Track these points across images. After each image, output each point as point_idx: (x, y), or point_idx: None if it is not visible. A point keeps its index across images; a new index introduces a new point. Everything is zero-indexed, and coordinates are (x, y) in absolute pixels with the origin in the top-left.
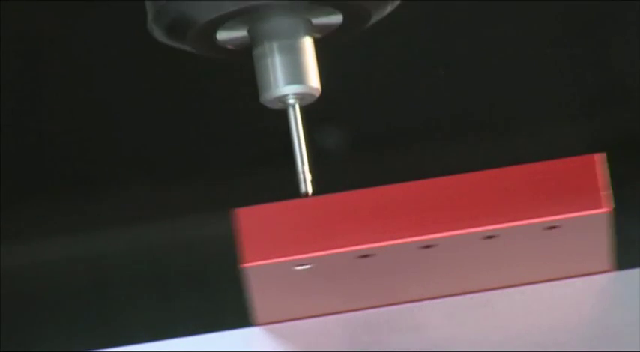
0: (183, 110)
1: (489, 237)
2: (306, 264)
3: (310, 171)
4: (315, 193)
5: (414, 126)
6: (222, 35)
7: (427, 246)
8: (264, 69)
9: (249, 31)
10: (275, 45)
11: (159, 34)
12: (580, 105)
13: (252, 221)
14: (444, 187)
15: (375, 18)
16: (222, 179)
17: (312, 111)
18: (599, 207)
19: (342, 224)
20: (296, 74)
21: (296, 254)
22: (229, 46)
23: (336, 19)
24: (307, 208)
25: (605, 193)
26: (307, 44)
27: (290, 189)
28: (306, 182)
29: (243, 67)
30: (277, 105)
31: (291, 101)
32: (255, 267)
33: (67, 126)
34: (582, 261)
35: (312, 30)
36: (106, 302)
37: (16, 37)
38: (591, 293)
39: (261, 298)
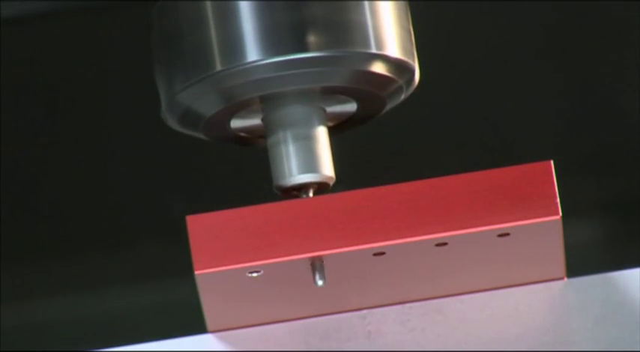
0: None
1: (441, 245)
2: (259, 271)
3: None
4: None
5: (408, 142)
6: (236, 123)
7: (379, 253)
8: (278, 157)
9: (263, 120)
10: (289, 133)
11: (172, 123)
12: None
13: (203, 228)
14: (395, 195)
15: (390, 105)
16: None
17: None
18: (551, 214)
19: (295, 231)
20: (310, 163)
21: (248, 261)
22: (243, 134)
23: (351, 107)
24: (259, 215)
25: (557, 200)
26: (321, 132)
27: None
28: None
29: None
30: (291, 194)
31: (310, 194)
32: (206, 274)
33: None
34: (535, 268)
35: (326, 118)
36: None
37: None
38: (545, 301)
39: (214, 305)
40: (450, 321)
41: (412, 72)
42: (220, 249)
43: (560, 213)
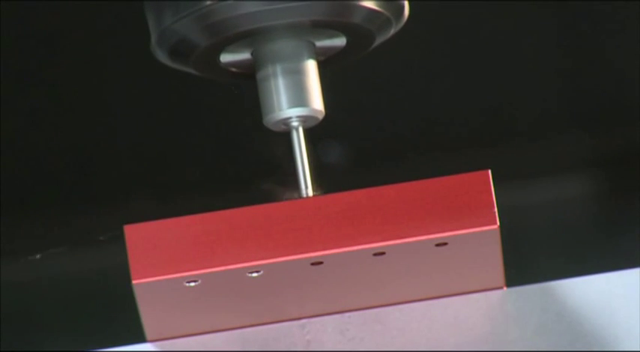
0: (182, 125)
1: (379, 254)
2: (196, 281)
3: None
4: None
5: (412, 138)
6: (226, 58)
7: (316, 263)
8: (268, 91)
9: (252, 54)
10: (279, 67)
11: (162, 57)
12: (577, 118)
13: (141, 238)
14: (333, 204)
15: (379, 40)
16: (222, 192)
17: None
18: (489, 223)
19: (232, 240)
20: (300, 97)
21: (185, 270)
22: (233, 69)
23: (340, 41)
24: (197, 225)
25: (495, 210)
26: (311, 67)
27: None
28: None
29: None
30: (281, 128)
31: (294, 124)
32: (144, 284)
33: (67, 139)
34: (474, 277)
35: (315, 52)
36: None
37: (16, 43)
38: (484, 310)
39: (152, 314)
40: (389, 331)
41: (401, 5)
42: (158, 259)
43: (498, 223)
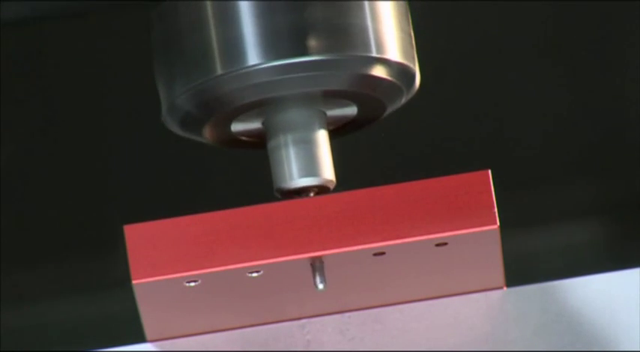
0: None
1: (379, 254)
2: (196, 281)
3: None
4: None
5: (412, 157)
6: (237, 127)
7: (317, 263)
8: (279, 161)
9: (264, 123)
10: (290, 137)
11: (173, 127)
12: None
13: (140, 238)
14: (333, 204)
15: (390, 109)
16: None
17: None
18: (488, 223)
19: (232, 240)
20: (311, 167)
21: (185, 270)
22: (244, 138)
23: (351, 110)
24: (196, 225)
25: (495, 210)
26: (322, 136)
27: None
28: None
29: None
30: (292, 197)
31: (310, 195)
32: (144, 284)
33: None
34: (474, 277)
35: (326, 122)
36: None
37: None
38: (484, 310)
39: (152, 314)
40: (388, 330)
41: (413, 75)
42: (158, 259)
43: (498, 223)
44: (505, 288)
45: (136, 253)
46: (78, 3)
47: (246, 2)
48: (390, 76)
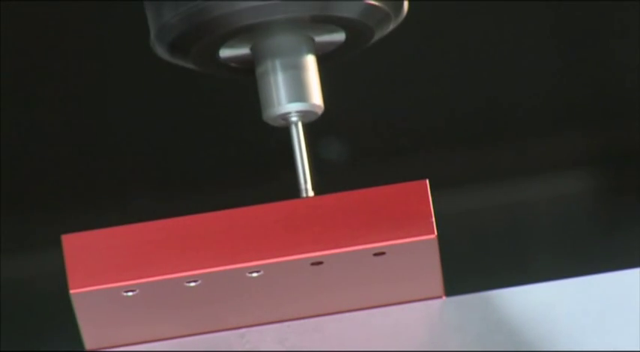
0: (185, 124)
1: (317, 264)
2: (134, 290)
3: (312, 188)
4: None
5: (414, 137)
6: (226, 53)
7: (255, 272)
8: (267, 86)
9: (252, 49)
10: (278, 63)
11: (161, 52)
12: (577, 115)
13: (78, 247)
14: (271, 213)
15: (378, 36)
16: (225, 190)
17: (310, 124)
18: (426, 233)
19: (169, 250)
20: (299, 92)
21: (123, 280)
22: (232, 64)
23: (339, 36)
24: (134, 234)
25: (432, 219)
26: (310, 62)
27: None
28: None
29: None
30: (280, 123)
31: (293, 119)
32: (82, 293)
33: (65, 135)
34: (413, 287)
35: (314, 47)
36: None
37: (15, 42)
38: (423, 319)
39: (91, 324)
40: (328, 340)
41: (401, 0)
42: (96, 268)
43: (436, 233)
44: (444, 298)
45: (73, 262)
46: None
47: None
48: (378, 0)
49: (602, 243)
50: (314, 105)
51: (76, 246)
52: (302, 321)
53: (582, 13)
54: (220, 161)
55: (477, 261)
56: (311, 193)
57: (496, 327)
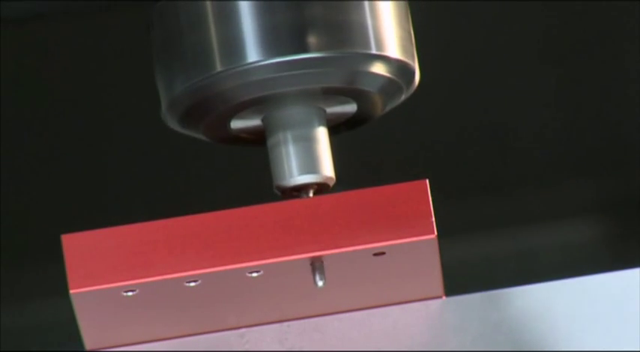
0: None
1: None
2: (134, 290)
3: None
4: None
5: (409, 156)
6: (237, 124)
7: (255, 272)
8: (279, 158)
9: (263, 120)
10: (289, 134)
11: (172, 124)
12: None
13: (78, 247)
14: (271, 213)
15: (390, 106)
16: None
17: None
18: (426, 233)
19: (169, 250)
20: (311, 164)
21: (122, 280)
22: (244, 135)
23: (350, 107)
24: (134, 234)
25: (432, 219)
26: (321, 133)
27: None
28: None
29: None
30: (291, 195)
31: (310, 194)
32: (82, 293)
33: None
34: (413, 286)
35: (326, 119)
36: None
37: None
38: (423, 319)
39: (90, 324)
40: (328, 340)
41: (412, 72)
42: (95, 268)
43: (436, 232)
44: (444, 298)
45: (73, 262)
46: (78, 2)
47: (245, 1)
48: (390, 73)
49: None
50: (326, 178)
51: (75, 245)
52: (302, 321)
53: (591, 61)
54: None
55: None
56: None
57: (495, 327)
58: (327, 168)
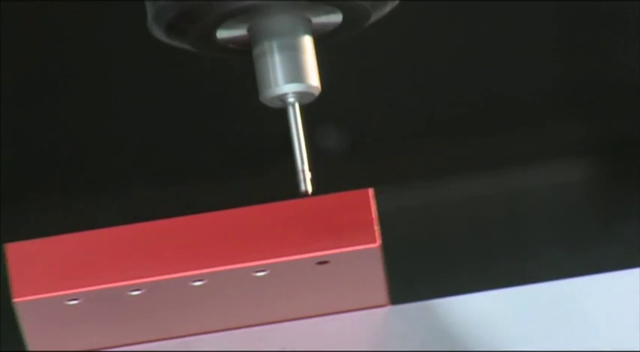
0: (183, 109)
1: (261, 272)
2: (76, 299)
3: (310, 170)
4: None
5: (412, 125)
6: (223, 34)
7: (198, 281)
8: (264, 67)
9: (249, 30)
10: (275, 43)
11: (159, 34)
12: (579, 105)
13: (22, 256)
14: (213, 222)
15: (375, 17)
16: (220, 179)
17: (309, 108)
18: (369, 241)
19: (112, 259)
20: (296, 73)
21: (65, 289)
22: (229, 45)
23: (336, 17)
24: (77, 243)
25: (376, 228)
26: (307, 43)
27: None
28: (306, 181)
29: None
30: (277, 104)
31: (290, 100)
32: (26, 302)
33: (67, 126)
34: (358, 295)
35: (311, 29)
36: None
37: (16, 37)
38: (368, 327)
39: (35, 332)
40: (272, 348)
41: None
42: (39, 277)
43: (379, 241)
44: (389, 306)
45: (17, 271)
46: None
47: None
48: None
49: (601, 238)
50: (311, 87)
51: (20, 254)
52: (247, 329)
53: (581, 6)
54: (212, 153)
55: (478, 251)
56: (308, 174)
57: (439, 335)
58: (312, 77)
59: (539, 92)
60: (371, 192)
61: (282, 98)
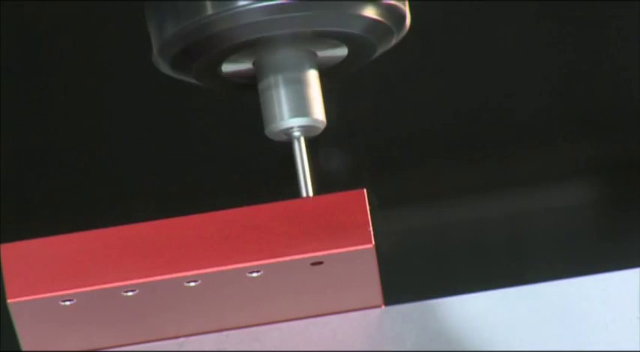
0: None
1: (255, 273)
2: (71, 300)
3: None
4: None
5: (415, 142)
6: (228, 68)
7: (192, 282)
8: (270, 101)
9: (254, 64)
10: (280, 77)
11: (164, 67)
12: (578, 124)
13: (16, 256)
14: (209, 223)
15: (380, 50)
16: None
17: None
18: (364, 242)
19: (107, 259)
20: (301, 107)
21: (60, 289)
22: (234, 79)
23: (342, 51)
24: (71, 244)
25: (370, 229)
26: (313, 77)
27: None
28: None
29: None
30: (282, 138)
31: (296, 134)
32: (20, 303)
33: (66, 127)
34: (352, 296)
35: (317, 62)
36: None
37: (18, 47)
38: (362, 328)
39: (29, 332)
40: (267, 349)
41: (403, 15)
42: (33, 278)
43: (373, 242)
44: (383, 307)
45: (11, 272)
46: None
47: None
48: (380, 16)
49: (602, 247)
50: (316, 120)
51: (14, 255)
52: (241, 330)
53: (585, 23)
54: (215, 170)
55: (479, 268)
56: None
57: (434, 336)
58: (317, 111)
59: (542, 113)
60: (365, 192)
61: (288, 132)
